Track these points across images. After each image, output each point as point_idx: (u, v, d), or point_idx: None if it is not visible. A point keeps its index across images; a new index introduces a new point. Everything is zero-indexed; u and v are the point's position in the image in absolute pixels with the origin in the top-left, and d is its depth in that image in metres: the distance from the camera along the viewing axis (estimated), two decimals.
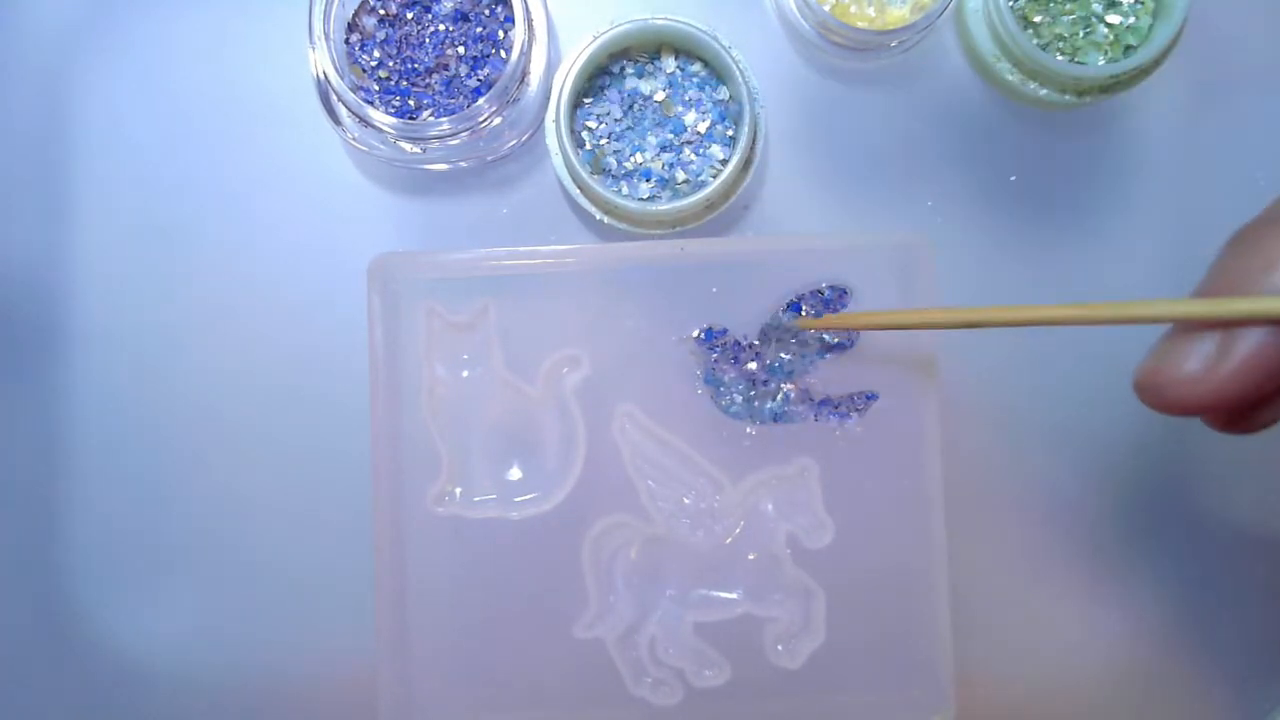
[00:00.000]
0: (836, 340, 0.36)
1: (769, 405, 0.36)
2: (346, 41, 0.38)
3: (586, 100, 0.39)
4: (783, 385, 0.36)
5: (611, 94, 0.39)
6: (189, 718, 0.41)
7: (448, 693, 0.36)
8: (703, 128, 0.39)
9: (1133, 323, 0.26)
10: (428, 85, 0.38)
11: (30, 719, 0.41)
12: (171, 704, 0.41)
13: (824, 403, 0.36)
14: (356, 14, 0.39)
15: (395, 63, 0.38)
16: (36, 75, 0.42)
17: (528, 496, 0.36)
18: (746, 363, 0.36)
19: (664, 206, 0.37)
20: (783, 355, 0.36)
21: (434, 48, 0.38)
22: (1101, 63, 0.39)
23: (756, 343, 0.36)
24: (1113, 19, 0.39)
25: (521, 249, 0.36)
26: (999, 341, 0.41)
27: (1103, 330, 0.41)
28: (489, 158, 0.40)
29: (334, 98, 0.37)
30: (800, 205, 0.41)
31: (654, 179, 0.39)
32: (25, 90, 0.42)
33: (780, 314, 0.36)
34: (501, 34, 0.38)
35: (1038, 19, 0.39)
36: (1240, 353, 0.23)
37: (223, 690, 0.41)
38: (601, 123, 0.39)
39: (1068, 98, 0.39)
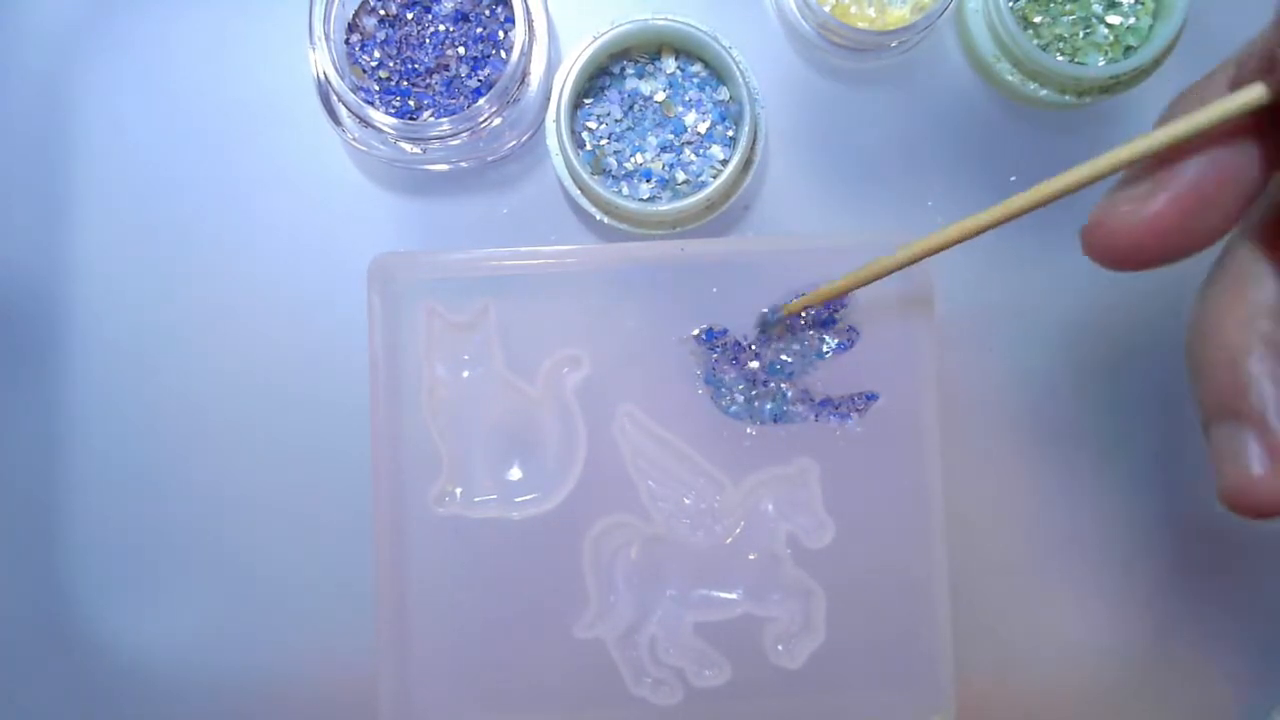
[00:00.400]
0: (837, 340, 0.36)
1: (769, 405, 0.36)
2: (347, 42, 0.38)
3: (587, 101, 0.39)
4: (783, 385, 0.36)
5: (612, 94, 0.39)
6: (189, 718, 0.41)
7: (448, 693, 0.36)
8: (703, 128, 0.39)
9: (1083, 185, 0.26)
10: (428, 85, 0.38)
11: (28, 719, 0.41)
12: (171, 704, 0.41)
13: (824, 403, 0.36)
14: (357, 14, 0.39)
15: (395, 63, 0.38)
16: (36, 75, 0.42)
17: (528, 496, 0.36)
18: (747, 363, 0.36)
19: (664, 207, 0.37)
20: (783, 356, 0.36)
21: (434, 48, 0.38)
22: (1102, 63, 0.39)
23: (755, 344, 0.36)
24: (1113, 19, 0.39)
25: (522, 249, 0.36)
26: (999, 341, 0.41)
27: (1104, 331, 0.41)
28: (489, 158, 0.40)
29: (334, 98, 0.37)
30: (800, 205, 0.41)
31: (654, 179, 0.39)
32: (25, 90, 0.42)
33: (767, 311, 0.36)
34: (502, 34, 0.38)
35: (1038, 19, 0.39)
36: (1174, 182, 0.24)
37: (222, 690, 0.41)
38: (602, 123, 0.39)
39: (1068, 98, 0.39)
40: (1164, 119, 0.26)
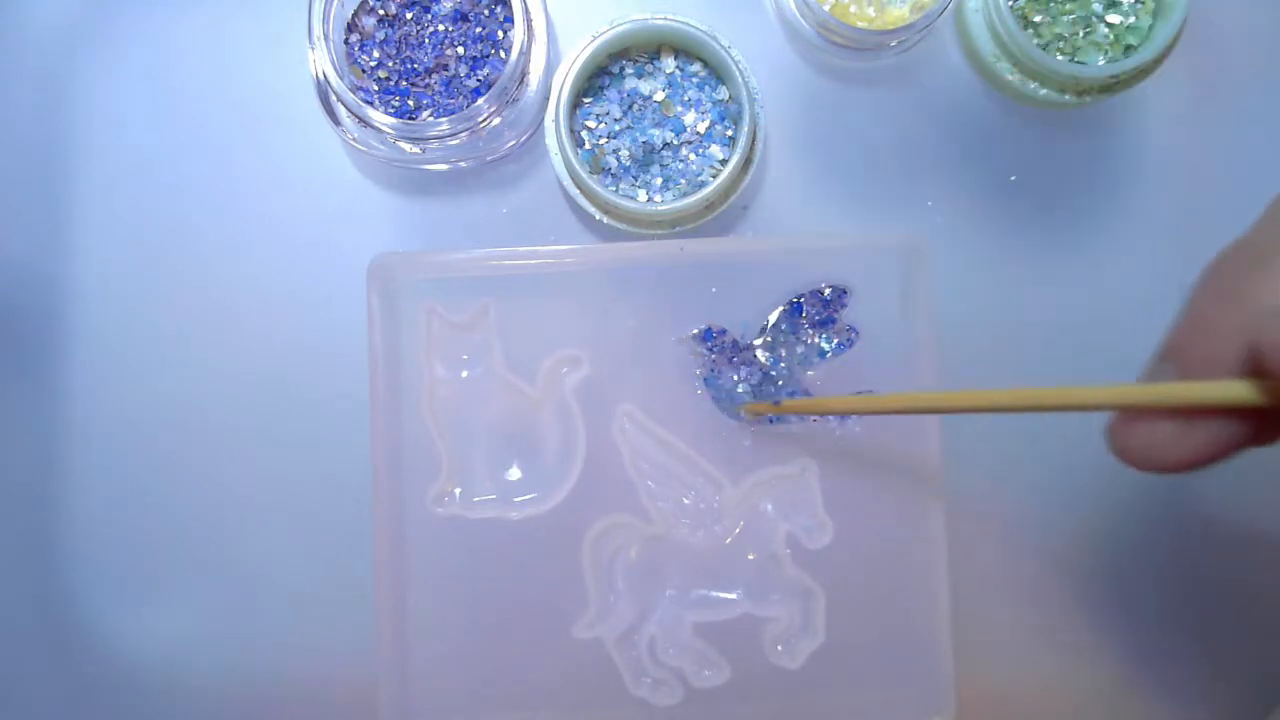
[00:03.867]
0: (836, 341, 0.36)
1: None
2: (346, 42, 0.38)
3: (586, 100, 0.39)
4: (782, 385, 0.36)
5: (611, 94, 0.39)
6: (188, 717, 0.41)
7: (447, 692, 0.36)
8: (702, 128, 0.39)
9: (1081, 409, 0.26)
10: (427, 85, 0.38)
11: (28, 719, 0.41)
12: (170, 702, 0.41)
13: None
14: (356, 14, 0.39)
15: (395, 63, 0.38)
16: (37, 75, 0.42)
17: (528, 496, 0.36)
18: (746, 362, 0.36)
19: (663, 207, 0.37)
20: (782, 355, 0.36)
21: (433, 48, 0.38)
22: (1101, 62, 0.39)
23: (756, 342, 0.36)
24: (1113, 19, 0.39)
25: (521, 249, 0.36)
26: (999, 342, 0.41)
27: (1105, 331, 0.41)
28: (489, 158, 0.40)
29: (333, 98, 0.37)
30: (800, 205, 0.41)
31: (653, 179, 0.39)
32: (26, 90, 0.42)
33: (775, 321, 0.36)
34: (501, 34, 0.38)
35: (1038, 19, 0.39)
36: (1200, 437, 0.24)
37: (222, 690, 0.41)
38: (601, 122, 0.39)
39: (1068, 98, 0.39)
40: (1198, 307, 0.25)
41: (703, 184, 0.38)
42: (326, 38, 0.36)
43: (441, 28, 0.38)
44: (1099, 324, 0.41)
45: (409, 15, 0.38)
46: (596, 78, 0.39)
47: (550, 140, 0.38)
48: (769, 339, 0.37)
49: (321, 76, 0.37)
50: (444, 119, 0.36)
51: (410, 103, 0.38)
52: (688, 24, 0.38)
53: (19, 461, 0.41)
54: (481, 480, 0.36)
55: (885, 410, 0.33)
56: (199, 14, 0.42)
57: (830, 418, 0.36)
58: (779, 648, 0.36)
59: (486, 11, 0.38)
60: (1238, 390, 0.23)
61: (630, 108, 0.39)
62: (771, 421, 0.36)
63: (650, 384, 0.36)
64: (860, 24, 0.39)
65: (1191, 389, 0.24)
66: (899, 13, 0.39)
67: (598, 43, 0.38)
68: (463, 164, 0.40)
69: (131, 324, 0.41)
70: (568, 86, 0.38)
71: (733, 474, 0.36)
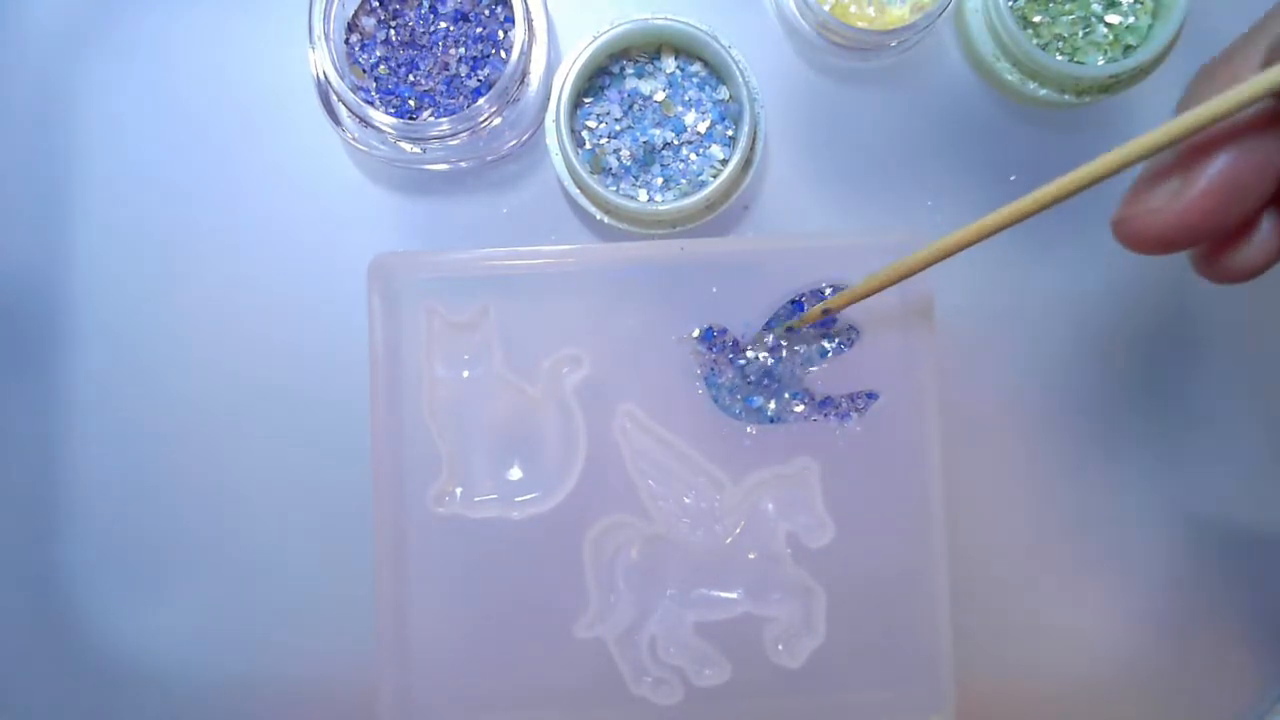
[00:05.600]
0: (837, 340, 0.36)
1: (769, 405, 0.36)
2: (346, 41, 0.38)
3: (586, 100, 0.39)
4: (783, 384, 0.36)
5: (611, 94, 0.39)
6: (188, 717, 0.41)
7: (448, 692, 0.36)
8: (703, 128, 0.39)
9: (1107, 176, 0.26)
10: (428, 85, 0.38)
11: (28, 719, 0.41)
12: (169, 702, 0.41)
13: (824, 403, 0.36)
14: (356, 14, 0.39)
15: (395, 63, 0.38)
16: (36, 75, 0.42)
17: (528, 496, 0.36)
18: (747, 362, 0.36)
19: (664, 206, 0.37)
20: (783, 355, 0.36)
21: (434, 48, 0.38)
22: (1101, 63, 0.39)
23: (756, 344, 0.36)
24: (1112, 19, 0.39)
25: (522, 249, 0.36)
26: (998, 340, 0.41)
27: (1104, 330, 0.41)
28: (489, 158, 0.40)
29: (334, 98, 0.37)
30: (800, 205, 0.41)
31: (654, 179, 0.39)
32: (25, 90, 0.42)
33: (776, 317, 0.36)
34: (501, 34, 0.38)
35: (1037, 19, 0.39)
36: (1204, 176, 0.24)
37: (221, 690, 0.41)
38: (601, 122, 0.39)
39: (1067, 98, 0.39)
40: (1188, 99, 0.25)
41: (703, 184, 0.38)
42: (327, 37, 0.36)
43: (443, 25, 0.38)
44: (1098, 323, 0.41)
45: (410, 15, 0.38)
46: (597, 78, 0.39)
47: (551, 140, 0.38)
48: (770, 338, 0.37)
49: (322, 76, 0.37)
50: (444, 119, 0.36)
51: (411, 103, 0.38)
52: (688, 24, 0.38)
53: (17, 461, 0.41)
54: (482, 480, 0.36)
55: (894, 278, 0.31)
56: (199, 13, 0.42)
57: (831, 417, 0.36)
58: (780, 647, 0.36)
59: (487, 11, 0.38)
60: (1254, 86, 0.22)
61: (631, 108, 0.39)
62: (772, 421, 0.36)
63: (651, 384, 0.36)
64: (860, 24, 0.39)
65: (1203, 107, 0.23)
66: (899, 13, 0.39)
67: (598, 43, 0.38)
68: (463, 164, 0.40)
69: (130, 323, 0.41)
70: (568, 86, 0.38)
71: (733, 473, 0.36)
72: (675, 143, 0.39)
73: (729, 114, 0.39)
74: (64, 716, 0.41)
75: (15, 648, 0.41)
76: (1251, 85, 0.22)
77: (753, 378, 0.36)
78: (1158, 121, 0.41)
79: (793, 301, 0.36)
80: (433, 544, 0.36)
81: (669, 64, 0.39)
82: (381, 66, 0.38)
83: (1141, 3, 0.39)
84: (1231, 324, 0.41)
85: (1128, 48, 0.39)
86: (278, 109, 0.41)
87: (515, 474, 0.36)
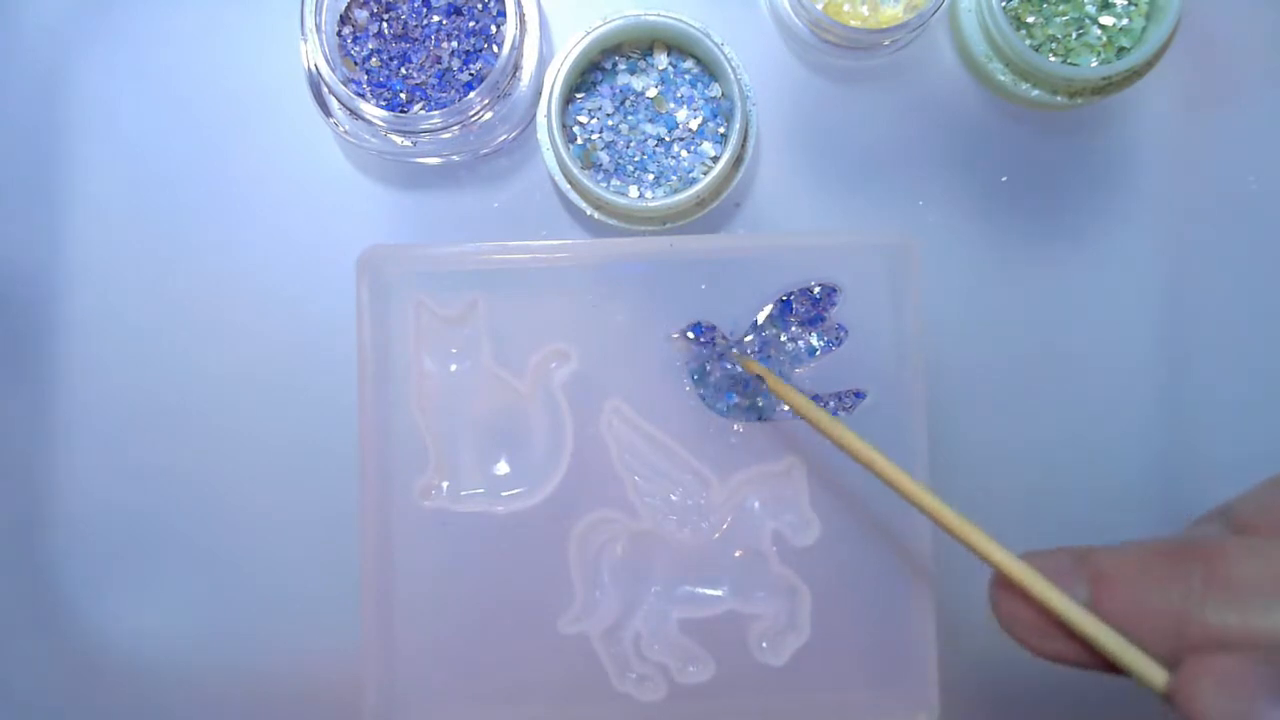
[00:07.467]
0: (825, 339, 0.36)
1: (757, 402, 0.36)
2: (338, 34, 0.38)
3: (578, 95, 0.39)
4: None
5: (603, 90, 0.39)
6: (177, 711, 0.41)
7: (433, 686, 0.36)
8: (694, 124, 0.39)
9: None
10: (420, 79, 0.38)
11: (20, 715, 0.41)
12: (158, 696, 0.41)
13: (813, 400, 0.36)
14: (348, 7, 0.39)
15: (387, 55, 0.38)
16: (29, 67, 0.42)
17: (515, 491, 0.36)
18: (734, 360, 0.36)
19: (655, 203, 0.37)
20: (771, 353, 0.36)
21: (426, 41, 0.38)
22: (1094, 64, 0.39)
23: (745, 340, 0.36)
24: (1106, 20, 0.39)
25: (512, 243, 0.36)
26: (988, 341, 0.41)
27: (1092, 339, 0.41)
28: (480, 152, 0.40)
29: (325, 90, 0.37)
30: (791, 203, 0.41)
31: (645, 175, 0.39)
32: (18, 82, 0.42)
33: (764, 319, 0.36)
34: (494, 28, 0.38)
35: (1030, 20, 0.39)
36: (1053, 647, 0.28)
37: (208, 683, 0.41)
38: (593, 118, 0.39)
39: (1060, 99, 0.39)
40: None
41: (694, 181, 0.38)
42: (319, 29, 0.36)
43: (435, 19, 0.38)
44: (1089, 324, 0.41)
45: (402, 8, 0.38)
46: (589, 73, 0.39)
47: (542, 135, 0.38)
48: (758, 336, 0.37)
49: (313, 68, 0.37)
50: (436, 112, 0.36)
51: (402, 96, 0.38)
52: (681, 20, 0.38)
53: (8, 455, 0.41)
54: (469, 474, 0.36)
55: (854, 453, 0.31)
56: (191, 7, 0.42)
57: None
58: (764, 645, 0.36)
59: (480, 5, 0.38)
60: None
61: (622, 103, 0.39)
62: (759, 418, 0.36)
63: (639, 380, 0.36)
64: (854, 23, 0.39)
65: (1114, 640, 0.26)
66: (892, 12, 0.39)
67: (590, 38, 0.38)
68: (454, 157, 0.40)
69: (120, 316, 0.41)
70: (560, 81, 0.38)
71: (720, 471, 0.36)
72: (667, 139, 0.39)
73: (721, 111, 0.39)
74: (53, 709, 0.41)
75: (3, 641, 0.41)
76: (1129, 658, 0.26)
77: (740, 375, 0.36)
78: (1156, 121, 0.41)
79: (782, 300, 0.36)
80: (418, 537, 0.36)
81: (661, 60, 0.39)
82: (373, 59, 0.38)
83: (1135, 4, 0.39)
84: (1228, 325, 0.41)
85: (1121, 49, 0.39)
86: (269, 101, 0.41)
87: (502, 468, 0.36)
